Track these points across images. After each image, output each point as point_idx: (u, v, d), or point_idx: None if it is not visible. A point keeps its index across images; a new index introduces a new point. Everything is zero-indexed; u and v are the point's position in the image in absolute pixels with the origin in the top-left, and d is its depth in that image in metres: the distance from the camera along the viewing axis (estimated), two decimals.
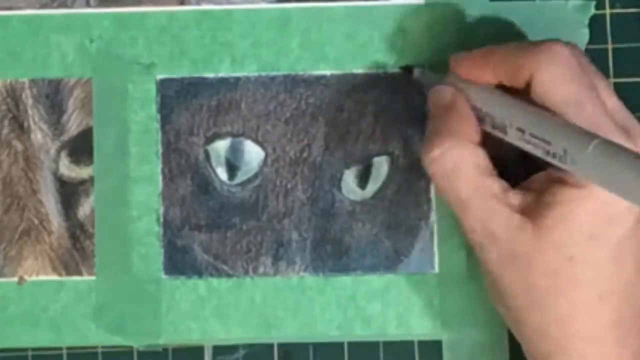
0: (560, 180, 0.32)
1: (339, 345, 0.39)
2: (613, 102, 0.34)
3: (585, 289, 0.32)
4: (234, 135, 0.39)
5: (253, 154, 0.39)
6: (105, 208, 0.39)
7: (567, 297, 0.32)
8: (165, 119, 0.39)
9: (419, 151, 0.39)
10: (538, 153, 0.31)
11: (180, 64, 0.39)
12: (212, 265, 0.39)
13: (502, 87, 0.34)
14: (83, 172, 0.39)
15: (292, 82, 0.39)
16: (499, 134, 0.33)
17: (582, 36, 0.39)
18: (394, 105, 0.39)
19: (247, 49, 0.39)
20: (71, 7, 0.40)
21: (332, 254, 0.39)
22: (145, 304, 0.39)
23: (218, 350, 0.39)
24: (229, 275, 0.39)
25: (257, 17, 0.39)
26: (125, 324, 0.39)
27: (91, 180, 0.39)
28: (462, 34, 0.39)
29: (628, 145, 0.31)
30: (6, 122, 0.39)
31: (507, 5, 0.39)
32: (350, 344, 0.39)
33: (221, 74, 0.39)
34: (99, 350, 0.39)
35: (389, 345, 0.39)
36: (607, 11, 0.40)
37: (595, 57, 0.39)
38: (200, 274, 0.39)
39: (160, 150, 0.39)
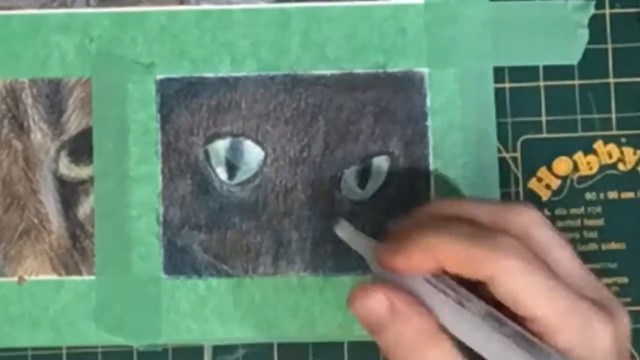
0: None
1: (339, 345, 0.39)
2: (575, 267, 0.32)
3: None
4: (233, 135, 0.39)
5: (253, 153, 0.39)
6: (105, 208, 0.39)
7: None
8: (165, 119, 0.39)
9: (418, 151, 0.39)
10: None
11: (180, 64, 0.39)
12: (212, 265, 0.39)
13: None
14: (83, 172, 0.39)
15: (292, 82, 0.39)
16: None
17: (582, 36, 0.39)
18: (394, 105, 0.39)
19: (247, 49, 0.39)
20: (71, 7, 0.40)
21: (332, 253, 0.39)
22: (145, 304, 0.39)
23: (218, 350, 0.39)
24: (228, 275, 0.39)
25: (257, 17, 0.39)
26: (125, 323, 0.39)
27: (91, 180, 0.39)
28: (462, 34, 0.39)
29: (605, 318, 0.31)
30: (6, 122, 0.39)
31: (507, 5, 0.39)
32: (350, 344, 0.39)
33: (221, 74, 0.39)
34: (99, 350, 0.39)
35: None
36: (607, 11, 0.40)
37: (595, 57, 0.40)
38: (200, 274, 0.39)
39: (160, 150, 0.39)
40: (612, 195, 0.40)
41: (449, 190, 0.39)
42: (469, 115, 0.39)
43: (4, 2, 0.39)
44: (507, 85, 0.40)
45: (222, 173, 0.39)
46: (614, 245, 0.39)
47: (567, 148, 0.40)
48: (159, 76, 0.39)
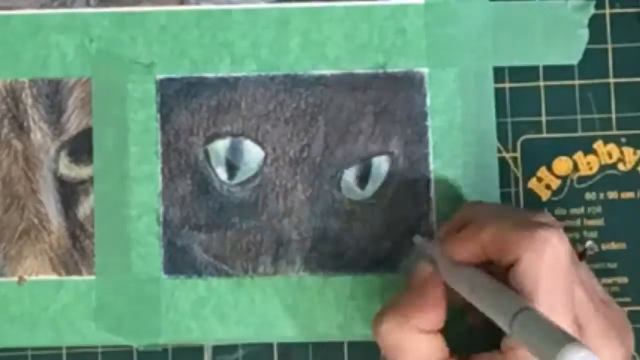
0: None
1: (339, 345, 0.39)
2: (579, 292, 0.33)
3: None
4: (233, 135, 0.39)
5: (253, 153, 0.39)
6: (105, 208, 0.39)
7: None
8: (165, 119, 0.39)
9: (418, 151, 0.39)
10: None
11: (180, 64, 0.39)
12: (212, 264, 0.39)
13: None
14: (83, 172, 0.39)
15: (292, 82, 0.39)
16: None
17: (582, 36, 0.39)
18: (394, 105, 0.39)
19: (247, 49, 0.39)
20: (71, 7, 0.40)
21: (332, 253, 0.39)
22: (145, 304, 0.39)
23: (218, 350, 0.39)
24: (228, 275, 0.39)
25: (256, 17, 0.39)
26: (125, 323, 0.39)
27: (91, 180, 0.39)
28: (462, 34, 0.39)
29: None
30: (6, 122, 0.39)
31: (507, 5, 0.39)
32: (350, 344, 0.39)
33: (221, 74, 0.39)
34: (99, 350, 0.39)
35: None
36: (607, 11, 0.40)
37: (595, 57, 0.40)
38: (199, 274, 0.39)
39: (160, 150, 0.39)
40: (612, 195, 0.39)
41: (449, 190, 0.39)
42: (469, 115, 0.39)
43: (4, 2, 0.39)
44: (507, 85, 0.40)
45: (222, 173, 0.39)
46: (614, 245, 0.39)
47: (567, 148, 0.40)
48: (159, 76, 0.39)
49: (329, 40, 0.39)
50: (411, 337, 0.33)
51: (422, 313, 0.33)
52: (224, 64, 0.39)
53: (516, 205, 0.39)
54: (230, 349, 0.39)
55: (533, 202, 0.39)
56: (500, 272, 0.32)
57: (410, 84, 0.39)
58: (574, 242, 0.39)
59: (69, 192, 0.39)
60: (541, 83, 0.40)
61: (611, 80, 0.40)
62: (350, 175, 0.39)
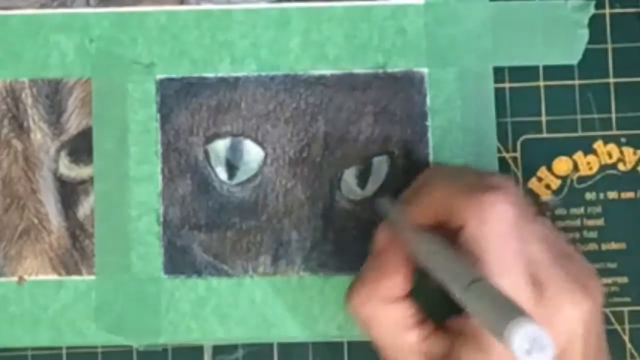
0: (467, 331, 0.32)
1: (339, 345, 0.39)
2: (536, 251, 0.32)
3: None
4: (233, 135, 0.39)
5: (253, 153, 0.39)
6: (105, 208, 0.39)
7: None
8: (165, 119, 0.39)
9: (418, 151, 0.39)
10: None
11: (180, 64, 0.39)
12: (212, 264, 0.39)
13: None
14: (83, 172, 0.39)
15: (292, 82, 0.39)
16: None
17: (582, 36, 0.39)
18: (394, 105, 0.39)
19: (247, 49, 0.39)
20: (71, 7, 0.40)
21: (332, 253, 0.39)
22: (145, 304, 0.39)
23: (218, 350, 0.39)
24: (228, 275, 0.39)
25: (257, 17, 0.39)
26: (125, 323, 0.39)
27: (91, 180, 0.39)
28: (462, 34, 0.39)
29: (535, 305, 0.31)
30: (6, 122, 0.39)
31: (507, 5, 0.39)
32: (350, 343, 0.39)
33: (221, 74, 0.39)
34: (99, 350, 0.39)
35: None
36: (607, 11, 0.40)
37: (595, 57, 0.40)
38: (199, 274, 0.39)
39: (160, 150, 0.39)
40: (612, 195, 0.39)
41: None
42: (469, 115, 0.39)
43: (4, 2, 0.39)
44: (507, 85, 0.40)
45: (222, 173, 0.39)
46: (614, 245, 0.39)
47: (567, 148, 0.40)
48: (159, 76, 0.39)
49: (329, 40, 0.39)
50: (381, 307, 0.33)
51: (387, 280, 0.33)
52: (224, 64, 0.39)
53: None
54: (230, 349, 0.39)
55: (533, 202, 0.39)
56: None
57: (410, 84, 0.39)
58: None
59: (69, 192, 0.39)
60: (541, 83, 0.40)
61: (611, 80, 0.40)
62: (350, 175, 0.39)
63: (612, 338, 0.39)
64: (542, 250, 0.32)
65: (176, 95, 0.39)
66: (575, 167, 0.40)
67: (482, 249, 0.31)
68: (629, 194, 0.40)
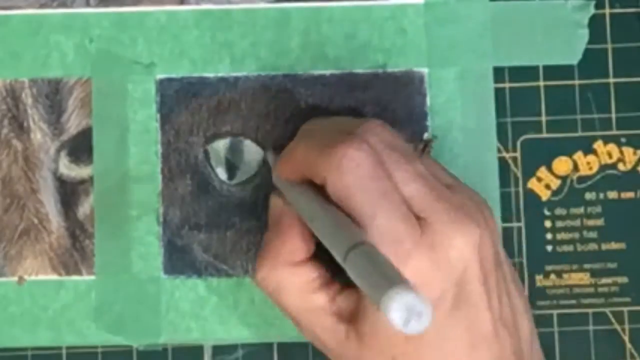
0: None
1: None
2: (413, 189, 0.32)
3: None
4: (233, 134, 0.39)
5: (253, 153, 0.39)
6: (105, 208, 0.39)
7: None
8: (165, 119, 0.39)
9: (418, 151, 0.39)
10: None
11: (180, 64, 0.39)
12: (212, 264, 0.39)
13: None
14: (83, 172, 0.39)
15: (292, 82, 0.39)
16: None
17: (582, 36, 0.39)
18: (394, 105, 0.39)
19: (247, 49, 0.39)
20: (71, 6, 0.40)
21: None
22: (145, 304, 0.39)
23: (217, 350, 0.39)
24: (228, 275, 0.39)
25: (256, 17, 0.39)
26: (125, 323, 0.39)
27: (91, 179, 0.39)
28: (462, 34, 0.39)
29: (419, 239, 0.30)
30: (6, 122, 0.39)
31: (507, 5, 0.39)
32: None
33: (221, 74, 0.39)
34: (99, 350, 0.39)
35: None
36: (607, 11, 0.40)
37: (595, 57, 0.40)
38: (199, 274, 0.39)
39: (160, 150, 0.39)
40: (612, 195, 0.39)
41: None
42: (469, 115, 0.39)
43: (4, 2, 0.39)
44: (507, 85, 0.40)
45: (222, 173, 0.39)
46: (614, 245, 0.39)
47: (567, 148, 0.39)
48: (159, 76, 0.39)
49: (329, 40, 0.39)
50: (285, 274, 0.33)
51: (286, 246, 0.33)
52: (223, 64, 0.39)
53: (516, 205, 0.39)
54: (230, 349, 0.39)
55: (533, 202, 0.39)
56: None
57: (410, 83, 0.39)
58: (574, 242, 0.39)
59: (69, 192, 0.39)
60: (541, 83, 0.40)
61: (611, 80, 0.40)
62: None
63: (612, 338, 0.39)
64: (419, 187, 0.32)
65: (176, 95, 0.39)
66: (575, 167, 0.40)
67: (348, 198, 0.31)
68: (629, 194, 0.40)
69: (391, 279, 0.25)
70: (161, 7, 0.39)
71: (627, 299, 0.39)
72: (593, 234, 0.39)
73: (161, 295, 0.39)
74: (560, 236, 0.39)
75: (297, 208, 0.33)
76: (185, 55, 0.39)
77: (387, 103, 0.39)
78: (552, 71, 0.40)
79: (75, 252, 0.39)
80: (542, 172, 0.39)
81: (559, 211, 0.39)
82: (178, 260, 0.39)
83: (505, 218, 0.39)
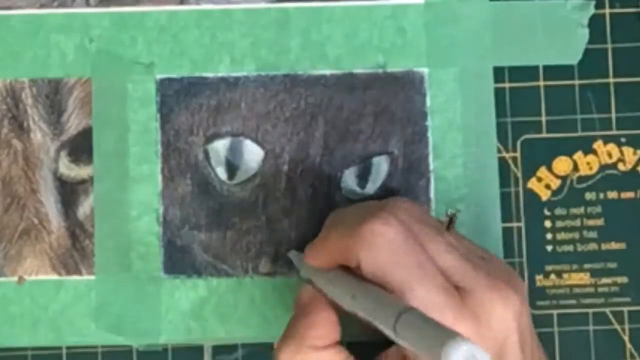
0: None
1: None
2: (449, 260, 0.32)
3: None
4: (233, 134, 0.39)
5: (253, 153, 0.39)
6: (105, 208, 0.39)
7: None
8: (165, 119, 0.39)
9: (418, 151, 0.39)
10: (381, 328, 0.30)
11: (180, 64, 0.39)
12: (212, 264, 0.39)
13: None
14: (83, 172, 0.39)
15: (292, 82, 0.39)
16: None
17: (582, 36, 0.39)
18: (394, 105, 0.39)
19: (247, 49, 0.39)
20: (71, 6, 0.40)
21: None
22: (145, 304, 0.39)
23: (218, 349, 0.39)
24: (228, 275, 0.39)
25: (257, 17, 0.39)
26: (125, 323, 0.39)
27: (91, 179, 0.39)
28: (462, 34, 0.39)
29: (461, 309, 0.31)
30: (6, 122, 0.39)
31: (507, 5, 0.39)
32: (349, 343, 0.39)
33: (221, 74, 0.39)
34: (99, 350, 0.39)
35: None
36: (607, 11, 0.40)
37: (595, 57, 0.40)
38: (200, 274, 0.39)
39: (160, 150, 0.39)
40: (612, 195, 0.40)
41: (449, 190, 0.39)
42: (469, 115, 0.39)
43: (4, 2, 0.40)
44: (507, 85, 0.40)
45: (222, 173, 0.39)
46: (614, 245, 0.39)
47: (567, 148, 0.40)
48: (159, 76, 0.39)
49: (329, 40, 0.39)
50: (311, 357, 0.33)
51: (313, 330, 0.33)
52: (224, 64, 0.39)
53: (516, 205, 0.39)
54: (230, 348, 0.39)
55: (533, 202, 0.39)
56: None
57: (410, 83, 0.39)
58: (574, 242, 0.39)
59: (69, 192, 0.39)
60: (541, 83, 0.40)
61: (611, 80, 0.40)
62: (350, 175, 0.39)
63: (612, 338, 0.39)
64: (453, 258, 0.32)
65: (176, 95, 0.39)
66: (575, 167, 0.40)
67: (385, 275, 0.31)
68: (629, 194, 0.40)
69: (448, 332, 0.26)
70: (161, 7, 0.39)
71: (627, 299, 0.39)
72: (593, 234, 0.39)
73: (161, 295, 0.39)
74: (560, 236, 0.39)
75: (331, 293, 0.33)
76: (185, 55, 0.39)
77: (387, 103, 0.39)
78: (552, 71, 0.40)
79: (75, 252, 0.39)
80: (542, 172, 0.40)
81: (559, 211, 0.39)
82: (178, 260, 0.39)
83: (505, 218, 0.39)
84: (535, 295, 0.39)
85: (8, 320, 0.39)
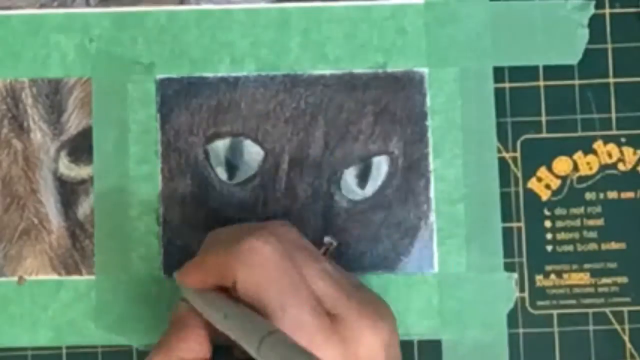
0: None
1: None
2: (322, 286, 0.32)
3: None
4: (233, 134, 0.39)
5: (253, 153, 0.39)
6: (105, 208, 0.39)
7: None
8: (165, 119, 0.39)
9: (418, 151, 0.39)
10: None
11: (180, 64, 0.39)
12: None
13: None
14: (83, 172, 0.39)
15: (292, 82, 0.39)
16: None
17: (582, 36, 0.39)
18: (394, 105, 0.39)
19: (247, 49, 0.39)
20: (71, 6, 0.40)
21: (331, 253, 0.39)
22: (145, 304, 0.39)
23: (218, 349, 0.39)
24: None
25: (256, 17, 0.39)
26: (125, 323, 0.39)
27: (91, 179, 0.39)
28: (462, 34, 0.39)
29: (331, 334, 0.31)
30: (6, 122, 0.39)
31: (507, 5, 0.39)
32: None
33: (221, 74, 0.39)
34: (99, 350, 0.39)
35: None
36: (607, 11, 0.40)
37: (595, 57, 0.40)
38: None
39: (160, 150, 0.39)
40: (612, 195, 0.39)
41: (449, 190, 0.39)
42: (469, 115, 0.39)
43: (4, 2, 0.40)
44: (507, 85, 0.40)
45: (222, 173, 0.39)
46: (614, 245, 0.39)
47: (566, 148, 0.40)
48: (159, 76, 0.39)
49: (329, 40, 0.39)
50: None
51: (183, 342, 0.33)
52: (224, 64, 0.39)
53: (516, 205, 0.39)
54: (230, 348, 0.39)
55: (533, 202, 0.39)
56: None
57: (410, 83, 0.39)
58: (574, 242, 0.39)
59: (69, 192, 0.39)
60: (541, 83, 0.40)
61: (611, 80, 0.40)
62: (350, 175, 0.39)
63: (612, 338, 0.39)
64: (328, 285, 0.32)
65: (176, 95, 0.39)
66: (575, 167, 0.40)
67: (258, 293, 0.31)
68: (629, 194, 0.40)
69: (310, 357, 0.27)
70: (161, 7, 0.39)
71: (627, 299, 0.39)
72: (593, 234, 0.39)
73: (161, 295, 0.39)
74: (560, 236, 0.39)
75: (206, 314, 0.33)
76: (185, 55, 0.39)
77: (387, 103, 0.39)
78: (552, 71, 0.40)
79: (75, 252, 0.39)
80: (542, 172, 0.40)
81: (559, 211, 0.39)
82: (178, 260, 0.39)
83: (505, 218, 0.39)
84: (535, 295, 0.39)
85: (8, 320, 0.39)
